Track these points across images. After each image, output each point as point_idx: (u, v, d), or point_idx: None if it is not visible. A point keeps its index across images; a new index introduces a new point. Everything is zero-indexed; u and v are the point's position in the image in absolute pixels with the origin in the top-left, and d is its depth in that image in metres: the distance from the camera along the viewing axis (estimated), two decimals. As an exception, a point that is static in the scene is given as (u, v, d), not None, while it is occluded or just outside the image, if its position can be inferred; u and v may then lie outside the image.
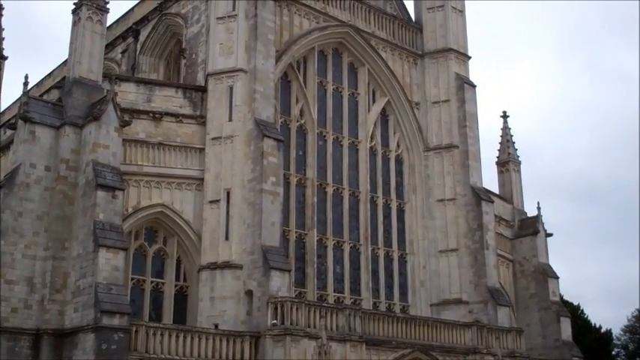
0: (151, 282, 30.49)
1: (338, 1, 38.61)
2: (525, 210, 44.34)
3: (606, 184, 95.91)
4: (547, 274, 41.71)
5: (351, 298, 35.39)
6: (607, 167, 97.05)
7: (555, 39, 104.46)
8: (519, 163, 45.36)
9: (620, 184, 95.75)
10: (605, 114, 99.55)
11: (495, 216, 39.85)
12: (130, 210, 30.00)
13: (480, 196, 38.36)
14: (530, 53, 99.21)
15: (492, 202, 39.21)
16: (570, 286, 70.11)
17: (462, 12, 42.57)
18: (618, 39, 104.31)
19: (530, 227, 43.05)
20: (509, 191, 44.39)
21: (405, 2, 42.90)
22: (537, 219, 42.99)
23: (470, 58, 41.89)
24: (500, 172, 45.21)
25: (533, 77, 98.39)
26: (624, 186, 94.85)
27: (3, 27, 50.84)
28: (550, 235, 43.36)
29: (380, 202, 38.18)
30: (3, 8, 51.27)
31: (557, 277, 42.07)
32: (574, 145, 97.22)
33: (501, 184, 44.85)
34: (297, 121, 35.99)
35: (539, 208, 43.23)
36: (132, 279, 29.82)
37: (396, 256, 38.04)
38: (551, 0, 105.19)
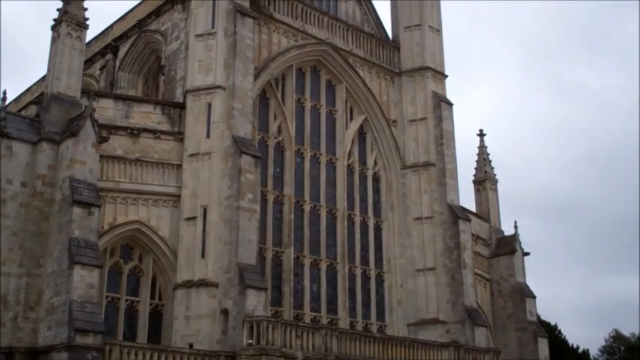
0: (126, 300, 30.29)
1: (316, 20, 38.84)
2: (502, 228, 44.52)
3: (573, 201, 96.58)
4: (524, 293, 41.76)
5: (327, 318, 35.37)
6: (573, 184, 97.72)
7: (515, 55, 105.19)
8: (496, 181, 45.55)
9: (587, 200, 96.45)
10: (567, 129, 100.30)
11: (472, 234, 39.99)
12: (106, 227, 29.84)
13: (457, 214, 38.53)
14: (491, 70, 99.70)
15: (469, 220, 39.39)
16: (545, 306, 70.42)
17: (438, 31, 42.93)
18: (576, 54, 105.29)
19: (508, 246, 43.15)
20: (487, 209, 44.51)
21: (383, 21, 43.27)
22: (514, 238, 43.12)
23: (447, 76, 42.25)
24: (477, 191, 45.37)
25: (496, 94, 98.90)
26: (591, 202, 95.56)
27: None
28: (527, 254, 43.48)
29: (357, 219, 38.26)
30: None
31: (535, 297, 42.16)
32: (540, 161, 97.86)
33: (478, 203, 44.99)
34: (275, 138, 36.07)
35: (516, 227, 43.40)
36: (106, 297, 29.60)
37: (373, 274, 38.09)
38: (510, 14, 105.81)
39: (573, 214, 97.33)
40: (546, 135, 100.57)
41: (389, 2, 44.05)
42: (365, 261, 38.01)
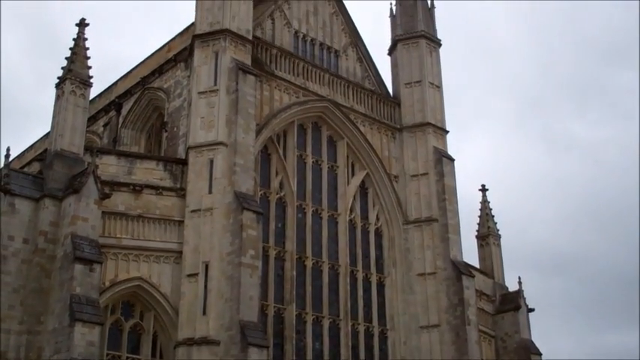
0: (127, 358, 29.92)
1: (317, 77, 39.26)
2: (506, 284, 44.20)
3: (573, 256, 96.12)
4: (530, 350, 41.13)
5: (330, 375, 34.95)
6: (572, 238, 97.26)
7: (508, 108, 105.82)
8: (499, 236, 45.38)
9: (587, 255, 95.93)
10: (564, 183, 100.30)
11: (476, 290, 39.64)
12: (108, 283, 29.69)
13: (461, 270, 38.30)
14: (485, 123, 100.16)
15: (473, 276, 39.13)
16: (547, 361, 69.38)
17: (439, 87, 43.31)
18: (569, 106, 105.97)
19: (512, 302, 42.66)
20: (490, 265, 44.21)
21: (384, 77, 43.69)
22: (519, 294, 42.69)
23: (448, 132, 42.46)
24: (480, 246, 45.15)
25: (489, 147, 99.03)
26: (590, 257, 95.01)
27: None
28: (532, 310, 43.02)
29: (360, 275, 38.04)
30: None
31: (541, 354, 41.49)
32: (538, 215, 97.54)
33: (482, 258, 44.74)
34: (277, 194, 36.12)
35: (520, 283, 42.99)
36: (107, 355, 29.26)
37: (376, 331, 37.70)
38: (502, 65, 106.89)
39: (573, 269, 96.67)
40: (543, 189, 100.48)
41: (389, 59, 44.63)
42: (368, 318, 37.64)
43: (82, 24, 33.01)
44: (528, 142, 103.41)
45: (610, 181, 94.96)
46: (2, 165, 29.97)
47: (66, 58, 31.98)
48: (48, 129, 32.15)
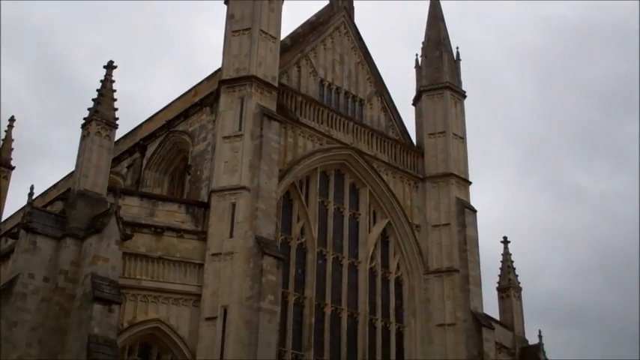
0: (143, 400, 29.84)
1: (341, 125, 39.46)
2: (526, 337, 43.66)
3: (586, 307, 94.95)
4: (549, 405, 40.68)
5: None
6: (583, 290, 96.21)
7: (512, 157, 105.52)
8: (520, 289, 44.95)
9: (597, 304, 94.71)
10: (572, 233, 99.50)
11: (496, 343, 39.18)
12: (126, 324, 29.63)
13: (481, 322, 37.91)
14: (491, 172, 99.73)
15: (493, 328, 38.70)
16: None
17: (462, 138, 43.38)
18: (575, 157, 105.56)
19: (532, 356, 42.05)
20: (510, 317, 43.72)
21: (407, 127, 43.84)
22: (539, 347, 42.15)
23: (470, 183, 42.38)
24: (500, 298, 44.72)
25: (496, 198, 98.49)
26: (600, 306, 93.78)
27: (13, 138, 52.05)
28: (551, 364, 42.55)
29: (379, 324, 37.70)
30: (14, 120, 52.67)
31: (560, 409, 41.03)
32: (548, 267, 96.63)
33: (502, 310, 44.28)
34: (298, 240, 36.08)
35: (540, 337, 42.44)
36: (123, 396, 29.18)
37: (394, 381, 37.28)
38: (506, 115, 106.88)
39: (585, 320, 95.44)
40: (552, 240, 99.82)
41: (413, 109, 44.84)
42: (386, 367, 37.26)
43: (109, 66, 33.51)
44: (534, 193, 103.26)
45: (616, 233, 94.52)
46: (26, 203, 30.23)
47: (93, 100, 32.43)
48: (72, 168, 32.40)
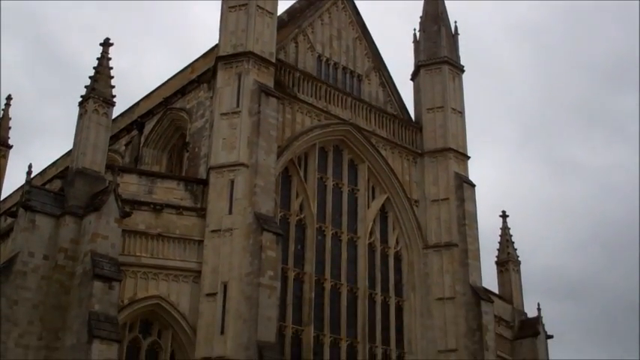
0: (144, 375, 30.01)
1: (340, 100, 39.38)
2: (525, 310, 43.91)
3: (582, 279, 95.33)
4: (547, 377, 40.98)
5: (347, 398, 34.76)
6: (583, 264, 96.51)
7: (511, 132, 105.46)
8: (519, 263, 45.17)
9: (596, 278, 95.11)
10: (571, 207, 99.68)
11: (495, 316, 39.41)
12: (126, 301, 29.74)
13: (480, 295, 38.09)
14: (490, 147, 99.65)
15: (492, 301, 38.89)
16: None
17: (461, 113, 43.31)
18: (571, 129, 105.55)
19: (531, 328, 42.42)
20: (509, 291, 44.01)
21: (406, 102, 43.76)
22: (538, 320, 42.48)
23: (469, 157, 42.38)
24: (499, 272, 44.97)
25: (494, 172, 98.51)
26: (599, 280, 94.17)
27: (10, 116, 51.97)
28: (550, 337, 42.75)
29: (378, 299, 37.88)
30: (11, 99, 52.54)
31: (558, 381, 41.32)
32: (548, 241, 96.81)
33: (501, 284, 44.53)
34: (297, 216, 36.15)
35: (539, 309, 42.80)
36: (124, 372, 29.34)
37: (394, 355, 37.46)
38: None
39: (583, 294, 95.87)
40: (550, 214, 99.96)
41: (412, 84, 44.74)
42: (386, 341, 37.44)
43: (106, 44, 33.34)
44: (533, 167, 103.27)
45: (615, 206, 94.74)
46: (24, 182, 30.23)
47: (90, 77, 32.30)
48: (70, 146, 32.35)
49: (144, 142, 40.56)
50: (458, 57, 45.02)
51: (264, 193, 32.61)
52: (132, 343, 30.07)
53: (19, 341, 26.90)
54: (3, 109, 51.99)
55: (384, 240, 39.46)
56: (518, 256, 45.19)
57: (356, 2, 43.80)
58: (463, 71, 44.75)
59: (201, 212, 32.38)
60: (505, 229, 45.93)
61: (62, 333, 27.56)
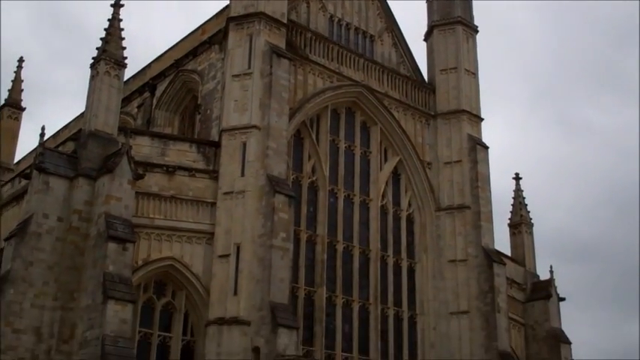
0: (158, 336, 30.25)
1: (352, 62, 39.09)
2: (537, 273, 43.93)
3: (597, 242, 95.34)
4: (560, 339, 40.96)
5: (359, 359, 35.00)
6: (592, 223, 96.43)
7: (523, 93, 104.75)
8: (532, 225, 45.10)
9: (607, 240, 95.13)
10: (582, 168, 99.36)
11: (507, 278, 39.41)
12: (140, 262, 29.97)
13: (492, 257, 38.10)
14: (499, 109, 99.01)
15: (504, 264, 38.92)
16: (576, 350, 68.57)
17: (474, 74, 42.93)
18: (583, 90, 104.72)
19: (543, 291, 42.44)
20: (522, 253, 43.99)
21: (419, 63, 43.39)
22: (550, 282, 42.48)
23: (482, 119, 42.10)
24: (512, 234, 44.94)
25: (504, 134, 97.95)
26: (610, 242, 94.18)
27: (22, 79, 51.96)
28: (563, 299, 42.82)
29: (390, 261, 37.99)
30: (23, 61, 52.46)
31: (570, 343, 41.34)
32: (559, 203, 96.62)
33: (513, 246, 44.53)
34: (309, 178, 36.14)
35: (551, 272, 42.79)
36: (139, 332, 29.58)
37: (405, 316, 37.67)
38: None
39: (594, 256, 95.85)
40: (562, 175, 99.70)
41: (425, 45, 44.35)
42: (398, 302, 37.62)
43: (117, 4, 33.15)
44: (545, 129, 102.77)
45: (627, 167, 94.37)
46: (37, 144, 30.32)
47: (101, 39, 32.19)
48: (83, 109, 32.35)
49: (156, 104, 40.53)
50: (472, 17, 44.50)
51: (276, 155, 32.58)
52: (146, 303, 30.35)
53: (35, 302, 27.25)
54: (15, 72, 51.99)
55: (397, 202, 39.44)
56: (531, 219, 45.11)
57: (368, -39, 43.25)
58: (477, 32, 44.28)
59: (213, 174, 32.42)
60: (518, 192, 45.82)
61: (77, 294, 27.87)
